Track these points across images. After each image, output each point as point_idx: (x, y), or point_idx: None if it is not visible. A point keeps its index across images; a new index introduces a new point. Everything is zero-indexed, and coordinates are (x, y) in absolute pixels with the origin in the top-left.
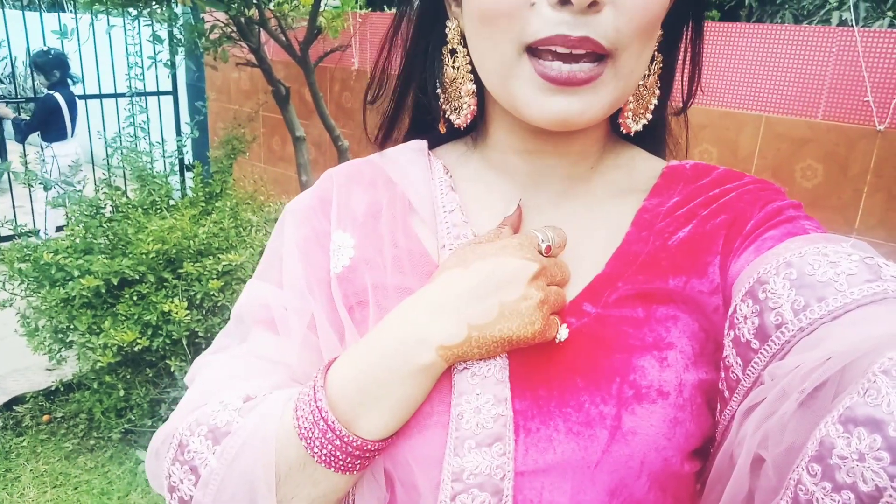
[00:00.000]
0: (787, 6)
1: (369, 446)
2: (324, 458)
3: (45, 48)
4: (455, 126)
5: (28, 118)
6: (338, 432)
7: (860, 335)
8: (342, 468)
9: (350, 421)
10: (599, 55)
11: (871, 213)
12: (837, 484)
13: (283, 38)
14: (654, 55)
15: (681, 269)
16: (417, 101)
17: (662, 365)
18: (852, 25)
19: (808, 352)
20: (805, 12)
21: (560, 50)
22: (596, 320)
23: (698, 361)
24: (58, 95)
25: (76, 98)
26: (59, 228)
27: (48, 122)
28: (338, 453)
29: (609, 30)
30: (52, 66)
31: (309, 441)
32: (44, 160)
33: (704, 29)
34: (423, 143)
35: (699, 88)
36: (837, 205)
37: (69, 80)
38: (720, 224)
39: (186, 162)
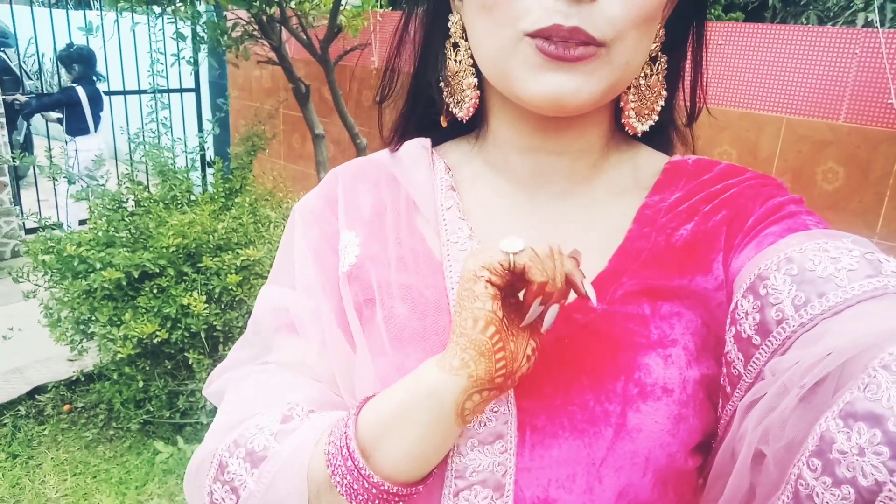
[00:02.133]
0: (811, 7)
1: (386, 486)
2: (345, 489)
3: (69, 43)
4: (458, 119)
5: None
6: (357, 462)
7: (860, 331)
8: (363, 503)
9: (370, 452)
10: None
11: (893, 217)
12: (837, 478)
13: (304, 37)
14: (657, 55)
15: (686, 267)
16: (422, 95)
17: (667, 362)
18: (877, 27)
19: (809, 347)
20: (830, 14)
21: (554, 39)
22: (602, 317)
23: (700, 357)
24: (79, 89)
25: (101, 94)
26: (81, 222)
27: (69, 115)
28: (356, 486)
29: (601, 21)
30: (72, 60)
31: (333, 469)
32: (67, 154)
33: (706, 35)
34: (427, 142)
35: (704, 101)
36: (859, 209)
37: (94, 77)
38: (721, 220)
39: (208, 158)
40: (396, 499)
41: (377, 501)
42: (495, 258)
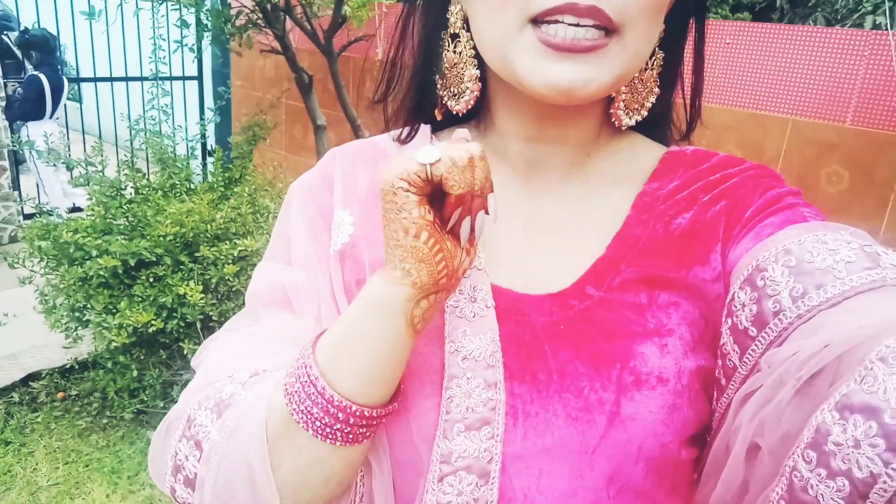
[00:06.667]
0: (819, 9)
1: (344, 404)
2: (302, 416)
3: (24, 28)
4: (454, 113)
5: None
6: (315, 383)
7: (858, 323)
8: (321, 432)
9: (326, 371)
10: (606, 28)
11: None
12: (832, 470)
13: (308, 27)
14: (654, 50)
15: (684, 258)
16: (421, 88)
17: (663, 352)
18: (886, 29)
19: (806, 339)
20: (838, 16)
21: (567, 20)
22: (599, 304)
23: (697, 348)
24: (42, 77)
25: (64, 82)
26: (75, 209)
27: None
28: (315, 410)
29: (618, 2)
30: (29, 46)
31: (290, 398)
32: (19, 139)
33: (706, 35)
34: (427, 128)
35: (699, 112)
36: (863, 212)
37: (58, 64)
38: (720, 211)
39: (208, 147)
40: (353, 420)
41: (336, 425)
42: (411, 169)
